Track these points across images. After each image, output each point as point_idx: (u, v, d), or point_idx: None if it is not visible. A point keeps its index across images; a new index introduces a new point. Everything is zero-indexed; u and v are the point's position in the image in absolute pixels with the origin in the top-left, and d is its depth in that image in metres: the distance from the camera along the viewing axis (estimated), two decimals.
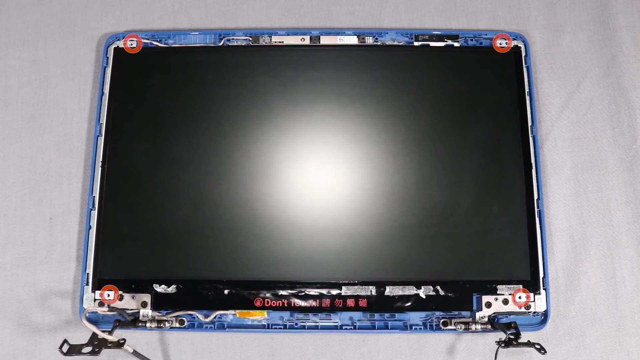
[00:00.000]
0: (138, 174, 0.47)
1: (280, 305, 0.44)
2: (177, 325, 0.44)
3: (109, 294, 0.44)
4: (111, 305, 0.44)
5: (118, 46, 0.49)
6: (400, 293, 0.44)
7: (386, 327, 0.44)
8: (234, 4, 0.52)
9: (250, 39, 0.49)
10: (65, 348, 0.39)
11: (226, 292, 0.44)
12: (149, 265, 0.45)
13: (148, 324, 0.43)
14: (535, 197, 0.46)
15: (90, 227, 0.45)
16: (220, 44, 0.50)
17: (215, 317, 0.44)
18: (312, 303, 0.44)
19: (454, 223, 0.45)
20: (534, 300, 0.44)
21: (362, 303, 0.44)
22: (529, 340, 0.41)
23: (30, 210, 0.48)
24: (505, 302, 0.44)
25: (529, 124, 0.47)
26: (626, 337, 0.45)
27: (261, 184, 0.46)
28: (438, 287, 0.44)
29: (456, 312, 0.44)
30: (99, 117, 0.48)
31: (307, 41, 0.49)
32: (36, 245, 0.47)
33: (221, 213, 0.46)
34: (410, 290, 0.44)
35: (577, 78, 0.50)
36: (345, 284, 0.44)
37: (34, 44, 0.51)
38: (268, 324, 0.44)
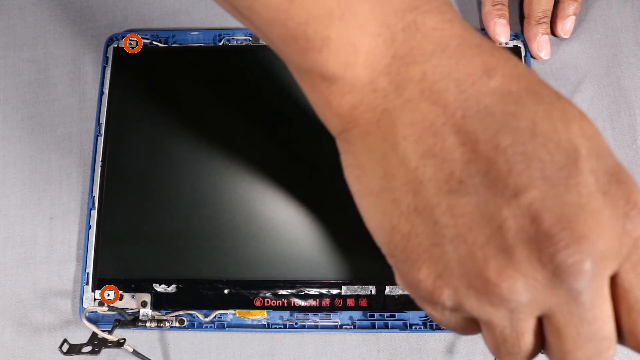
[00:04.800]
0: (138, 174, 0.47)
1: (280, 305, 0.44)
2: (177, 324, 0.44)
3: (109, 294, 0.44)
4: (111, 305, 0.44)
5: (118, 46, 0.49)
6: (400, 292, 0.44)
7: (386, 327, 0.44)
8: None
9: (250, 38, 0.50)
10: (65, 347, 0.39)
11: (226, 291, 0.44)
12: (149, 265, 0.45)
13: (148, 324, 0.43)
14: None
15: (90, 227, 0.46)
16: (220, 43, 0.50)
17: (215, 317, 0.44)
18: (312, 303, 0.44)
19: None
20: None
21: (362, 303, 0.44)
22: None
23: (30, 210, 0.48)
24: None
25: None
26: None
27: (261, 184, 0.46)
28: None
29: None
30: (99, 117, 0.48)
31: None
32: (36, 245, 0.47)
33: (221, 213, 0.46)
34: None
35: (577, 78, 0.50)
36: (345, 284, 0.44)
37: (34, 44, 0.51)
38: (268, 324, 0.44)
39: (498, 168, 0.22)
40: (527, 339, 0.24)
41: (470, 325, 0.26)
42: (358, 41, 0.24)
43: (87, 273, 0.45)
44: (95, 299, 0.44)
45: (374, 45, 0.24)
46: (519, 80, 0.23)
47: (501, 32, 0.48)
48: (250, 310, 0.44)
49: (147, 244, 0.45)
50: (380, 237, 0.26)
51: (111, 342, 0.40)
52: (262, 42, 0.49)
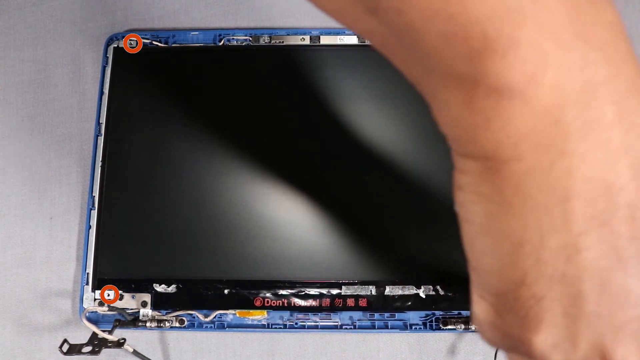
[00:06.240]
0: (138, 174, 0.47)
1: (280, 305, 0.44)
2: (177, 324, 0.44)
3: (109, 294, 0.44)
4: (111, 305, 0.44)
5: (118, 46, 0.49)
6: (400, 293, 0.44)
7: (386, 327, 0.44)
8: (233, 4, 0.52)
9: (250, 38, 0.50)
10: (65, 347, 0.39)
11: (226, 291, 0.44)
12: (149, 265, 0.45)
13: (148, 324, 0.43)
14: None
15: (90, 227, 0.46)
16: (220, 43, 0.50)
17: (215, 317, 0.44)
18: (312, 303, 0.44)
19: (454, 222, 0.45)
20: None
21: (362, 303, 0.44)
22: None
23: (30, 210, 0.48)
24: None
25: None
26: None
27: (261, 184, 0.46)
28: (438, 287, 0.44)
29: (456, 312, 0.44)
30: (99, 117, 0.48)
31: (307, 41, 0.49)
32: (36, 245, 0.47)
33: (221, 213, 0.46)
34: (410, 290, 0.44)
35: None
36: (345, 284, 0.44)
37: (33, 44, 0.51)
38: (268, 324, 0.44)
39: None
40: None
41: None
42: (551, 52, 0.18)
43: (87, 273, 0.45)
44: (95, 299, 0.44)
45: (567, 63, 0.18)
46: None
47: None
48: (250, 310, 0.44)
49: (147, 244, 0.45)
50: (491, 281, 0.23)
51: (111, 342, 0.40)
52: (261, 43, 0.49)
